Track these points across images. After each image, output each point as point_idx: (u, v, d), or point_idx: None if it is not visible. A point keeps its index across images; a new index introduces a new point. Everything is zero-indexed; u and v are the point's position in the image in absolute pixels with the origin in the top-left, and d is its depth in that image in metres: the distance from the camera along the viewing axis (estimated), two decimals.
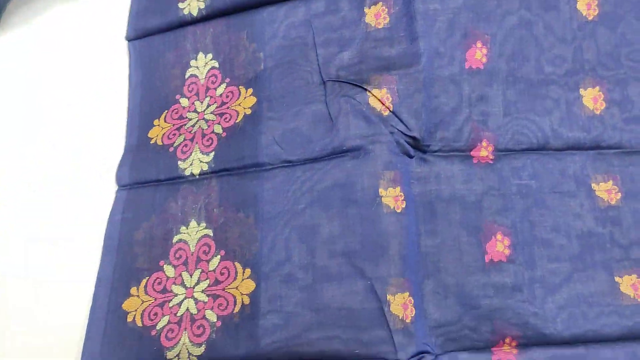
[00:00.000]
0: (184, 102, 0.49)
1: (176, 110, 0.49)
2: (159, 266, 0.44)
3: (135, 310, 0.43)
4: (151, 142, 0.49)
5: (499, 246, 0.41)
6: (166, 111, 0.49)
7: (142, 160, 0.48)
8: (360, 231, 0.40)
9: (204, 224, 0.44)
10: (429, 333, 0.40)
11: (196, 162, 0.47)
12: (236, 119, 0.47)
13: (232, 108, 0.48)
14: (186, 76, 0.50)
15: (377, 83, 0.45)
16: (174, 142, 0.48)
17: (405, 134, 0.43)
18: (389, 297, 0.39)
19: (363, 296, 0.39)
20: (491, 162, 0.43)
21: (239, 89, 0.48)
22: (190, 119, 0.48)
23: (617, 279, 0.40)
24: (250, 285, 0.41)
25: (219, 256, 0.43)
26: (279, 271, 0.41)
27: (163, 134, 0.48)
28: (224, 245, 0.43)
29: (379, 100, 0.44)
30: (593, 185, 0.43)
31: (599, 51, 0.45)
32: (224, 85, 0.49)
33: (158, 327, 0.42)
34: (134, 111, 0.51)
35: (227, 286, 0.42)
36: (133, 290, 0.43)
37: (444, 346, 0.39)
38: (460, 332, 0.40)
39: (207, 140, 0.47)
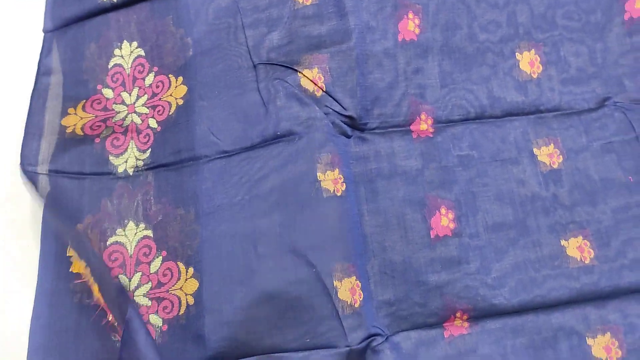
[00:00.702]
0: (108, 92, 0.45)
1: (98, 100, 0.45)
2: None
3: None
4: (67, 131, 0.45)
5: (444, 220, 0.40)
6: (84, 100, 0.45)
7: (59, 148, 0.45)
8: (301, 219, 0.39)
9: (142, 225, 0.42)
10: (378, 315, 0.39)
11: (131, 159, 0.44)
12: (169, 111, 0.44)
13: (163, 99, 0.45)
14: (109, 66, 0.46)
15: (308, 63, 0.43)
16: (100, 134, 0.44)
17: (340, 114, 0.42)
18: (335, 283, 0.38)
19: (309, 285, 0.38)
20: (431, 135, 0.43)
21: (168, 78, 0.45)
22: (118, 112, 0.44)
23: (563, 242, 0.41)
24: (194, 284, 0.40)
25: (160, 257, 0.41)
26: (221, 266, 0.40)
27: (83, 124, 0.44)
28: (164, 245, 0.41)
29: (311, 80, 0.43)
30: (535, 150, 0.42)
31: (533, 14, 0.45)
32: (152, 75, 0.46)
33: None
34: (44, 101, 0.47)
35: (170, 288, 0.40)
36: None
37: (394, 326, 0.39)
38: (410, 310, 0.39)
39: (144, 137, 0.44)
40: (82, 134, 0.44)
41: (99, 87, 0.45)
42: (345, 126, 0.42)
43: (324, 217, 0.39)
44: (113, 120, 0.44)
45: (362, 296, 0.38)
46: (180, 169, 0.43)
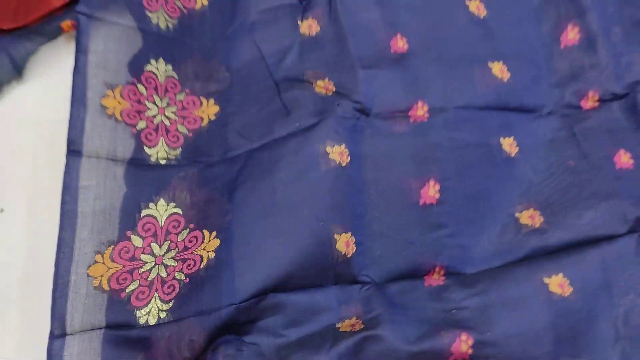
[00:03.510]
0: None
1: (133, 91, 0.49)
2: (126, 236, 0.45)
3: (102, 276, 0.44)
4: (108, 112, 0.47)
5: (431, 191, 0.49)
6: (121, 85, 0.48)
7: (94, 127, 0.47)
8: (310, 185, 0.47)
9: (173, 204, 0.47)
10: (368, 266, 0.46)
11: (162, 152, 0.49)
12: (201, 124, 0.51)
13: (195, 115, 0.52)
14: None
15: (319, 76, 0.52)
16: (137, 124, 0.48)
17: (351, 102, 0.51)
18: (335, 236, 0.45)
19: (317, 236, 0.45)
20: (426, 120, 0.52)
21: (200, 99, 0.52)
22: (150, 109, 0.49)
23: (517, 214, 0.49)
24: (216, 243, 0.45)
25: (188, 229, 0.46)
26: (244, 228, 0.46)
27: (122, 109, 0.48)
28: (193, 220, 0.47)
29: (323, 87, 0.51)
30: (500, 139, 0.52)
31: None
32: (183, 94, 0.52)
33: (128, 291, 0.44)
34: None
35: (195, 250, 0.46)
36: (98, 258, 0.44)
37: (382, 276, 0.46)
38: (398, 265, 0.47)
39: (173, 137, 0.50)
40: (121, 119, 0.48)
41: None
42: (354, 111, 0.51)
43: (330, 183, 0.47)
44: (146, 115, 0.49)
45: (355, 249, 0.46)
46: (212, 168, 0.50)
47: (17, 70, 0.59)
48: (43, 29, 0.60)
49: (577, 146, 0.51)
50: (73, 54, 0.54)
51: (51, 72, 0.60)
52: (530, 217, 0.49)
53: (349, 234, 0.46)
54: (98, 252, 0.43)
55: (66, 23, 0.59)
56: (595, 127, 0.52)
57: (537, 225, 0.48)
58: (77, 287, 0.42)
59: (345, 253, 0.45)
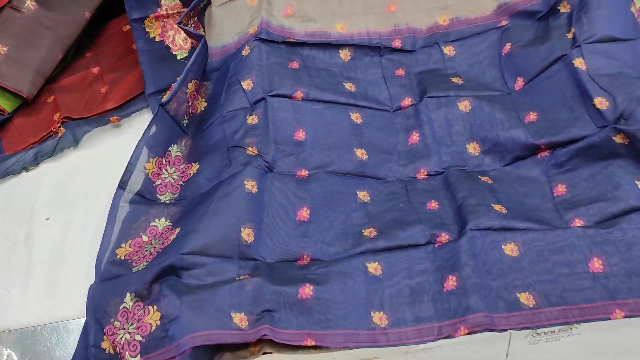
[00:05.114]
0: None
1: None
2: None
3: None
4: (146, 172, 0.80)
5: (304, 214, 0.75)
6: (156, 157, 0.82)
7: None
8: (231, 201, 0.74)
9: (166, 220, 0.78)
10: (262, 250, 0.73)
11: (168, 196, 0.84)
12: (190, 176, 0.84)
13: (187, 173, 0.84)
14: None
15: (251, 144, 0.80)
16: (156, 181, 0.83)
17: (264, 161, 0.79)
18: (242, 228, 0.72)
19: (231, 227, 0.71)
20: (306, 177, 0.78)
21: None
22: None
23: (362, 230, 0.76)
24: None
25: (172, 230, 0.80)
26: (192, 221, 0.77)
27: (152, 172, 0.82)
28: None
29: (251, 151, 0.82)
30: (357, 191, 0.81)
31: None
32: (184, 165, 0.85)
33: None
34: None
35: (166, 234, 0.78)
36: None
37: (271, 258, 0.72)
38: (280, 253, 0.73)
39: (174, 189, 0.84)
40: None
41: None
42: (264, 166, 0.78)
43: (244, 201, 0.73)
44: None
45: (253, 239, 0.73)
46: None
47: (76, 142, 0.94)
48: (98, 119, 0.97)
49: (407, 197, 0.80)
50: (115, 136, 0.91)
51: (98, 145, 0.96)
52: (369, 232, 0.75)
53: (250, 229, 0.73)
54: None
55: (113, 117, 0.96)
56: (421, 188, 0.79)
57: (372, 236, 0.75)
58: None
59: (247, 240, 0.73)
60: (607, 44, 0.74)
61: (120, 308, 0.68)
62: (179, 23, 0.85)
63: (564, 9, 0.82)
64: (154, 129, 0.80)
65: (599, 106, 0.74)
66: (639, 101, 0.71)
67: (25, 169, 0.88)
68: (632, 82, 0.74)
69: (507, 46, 0.86)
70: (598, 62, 0.74)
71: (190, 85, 0.84)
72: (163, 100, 0.79)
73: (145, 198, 0.80)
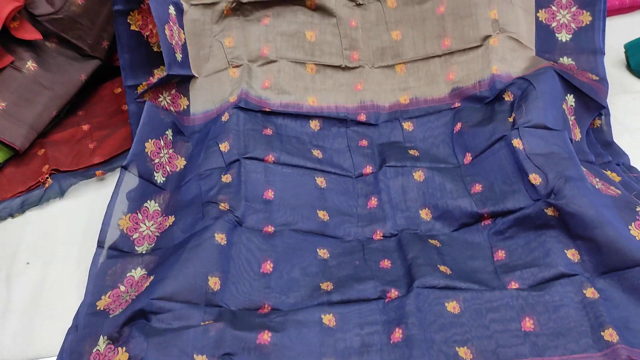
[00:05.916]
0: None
1: None
2: None
3: None
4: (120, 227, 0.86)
5: (268, 267, 0.84)
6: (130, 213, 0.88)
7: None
8: (201, 251, 0.79)
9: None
10: (226, 298, 0.79)
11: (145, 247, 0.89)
12: (165, 228, 0.88)
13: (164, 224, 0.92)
14: None
15: (223, 200, 0.88)
16: (132, 235, 0.89)
17: (234, 216, 0.87)
18: (209, 277, 0.78)
19: (199, 276, 0.77)
20: (272, 233, 0.88)
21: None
22: None
23: (320, 284, 0.81)
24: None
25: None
26: (163, 269, 0.83)
27: (127, 227, 0.87)
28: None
29: (223, 206, 0.88)
30: (317, 249, 0.87)
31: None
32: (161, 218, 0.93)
33: None
34: None
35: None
36: None
37: (235, 306, 0.78)
38: (243, 302, 0.79)
39: (151, 240, 0.90)
40: None
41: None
42: (234, 221, 0.84)
43: (214, 253, 0.80)
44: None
45: (219, 287, 0.80)
46: None
47: (61, 193, 1.00)
48: (84, 172, 1.04)
49: (363, 256, 0.87)
50: (99, 189, 0.99)
51: (82, 196, 1.03)
52: (326, 286, 0.81)
53: (218, 278, 0.79)
54: None
55: (99, 171, 1.03)
56: (376, 247, 0.85)
57: (329, 289, 0.82)
58: None
59: (214, 288, 0.79)
60: (540, 130, 0.85)
61: (94, 350, 0.73)
62: (138, 97, 0.93)
63: (508, 97, 0.93)
64: (124, 189, 0.85)
65: (533, 182, 0.84)
66: (567, 179, 0.81)
67: (12, 215, 0.92)
68: (561, 162, 0.85)
69: (459, 125, 0.95)
70: (533, 143, 0.83)
71: (147, 145, 0.89)
72: (123, 164, 0.86)
73: (123, 251, 0.86)
